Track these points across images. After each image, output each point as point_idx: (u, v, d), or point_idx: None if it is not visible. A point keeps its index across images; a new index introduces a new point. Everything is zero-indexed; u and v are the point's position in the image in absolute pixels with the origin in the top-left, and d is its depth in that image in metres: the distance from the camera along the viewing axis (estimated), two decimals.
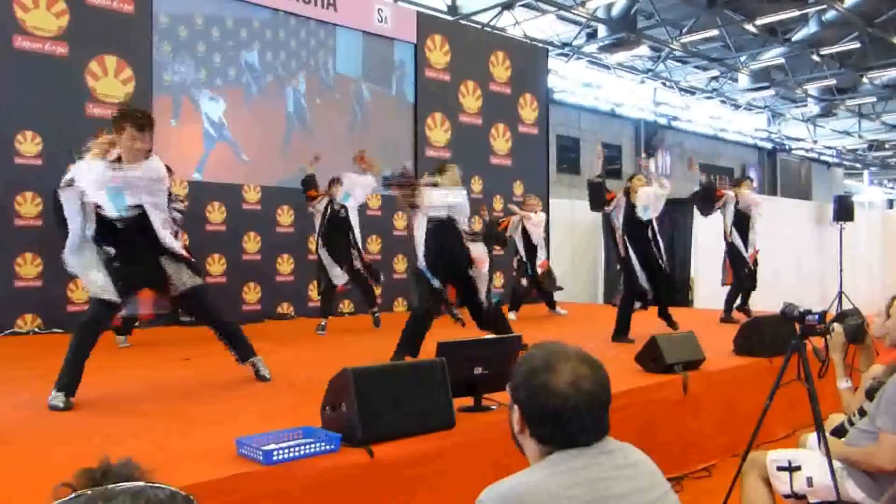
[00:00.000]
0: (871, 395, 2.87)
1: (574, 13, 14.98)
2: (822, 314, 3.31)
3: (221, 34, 8.69)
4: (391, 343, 5.24)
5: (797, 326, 3.33)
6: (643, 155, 7.20)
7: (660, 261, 6.90)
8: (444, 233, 5.33)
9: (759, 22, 15.45)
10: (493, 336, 4.80)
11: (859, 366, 3.58)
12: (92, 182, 3.95)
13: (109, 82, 7.77)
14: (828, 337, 3.39)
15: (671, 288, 8.46)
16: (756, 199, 8.55)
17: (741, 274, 8.28)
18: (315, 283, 8.16)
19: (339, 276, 7.44)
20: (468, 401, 3.58)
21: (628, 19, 15.08)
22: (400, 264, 10.24)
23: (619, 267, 7.08)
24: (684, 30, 16.40)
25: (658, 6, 15.02)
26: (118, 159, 4.10)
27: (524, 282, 9.30)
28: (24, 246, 7.28)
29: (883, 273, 14.90)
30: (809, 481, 2.89)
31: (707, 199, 8.35)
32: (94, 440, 3.21)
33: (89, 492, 0.87)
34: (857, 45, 16.55)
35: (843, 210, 12.94)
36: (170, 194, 5.59)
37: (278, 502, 2.64)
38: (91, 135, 7.08)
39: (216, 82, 8.67)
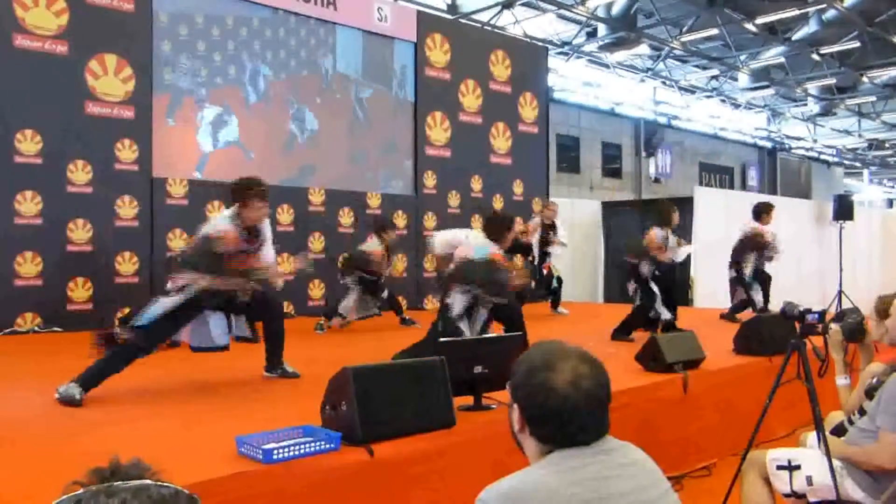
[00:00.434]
0: (870, 393, 2.87)
1: (574, 12, 14.98)
2: (822, 313, 3.31)
3: (221, 33, 8.68)
4: (391, 342, 5.25)
5: (797, 325, 3.34)
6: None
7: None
8: None
9: (759, 21, 15.44)
10: (493, 335, 4.80)
11: (859, 365, 3.58)
12: None
13: (109, 81, 7.77)
14: (827, 336, 3.39)
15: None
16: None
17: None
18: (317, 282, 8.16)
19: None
20: (468, 399, 3.58)
21: (628, 18, 15.08)
22: (399, 263, 10.23)
23: (635, 285, 6.96)
24: (684, 29, 16.40)
25: (658, 5, 15.02)
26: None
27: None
28: (24, 245, 7.28)
29: (882, 272, 14.90)
30: (809, 480, 2.89)
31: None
32: (93, 439, 3.21)
33: (94, 488, 0.87)
34: (857, 44, 16.54)
35: (843, 209, 12.93)
36: None
37: (278, 501, 2.64)
38: (91, 134, 7.10)
39: (216, 81, 8.66)
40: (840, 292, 12.09)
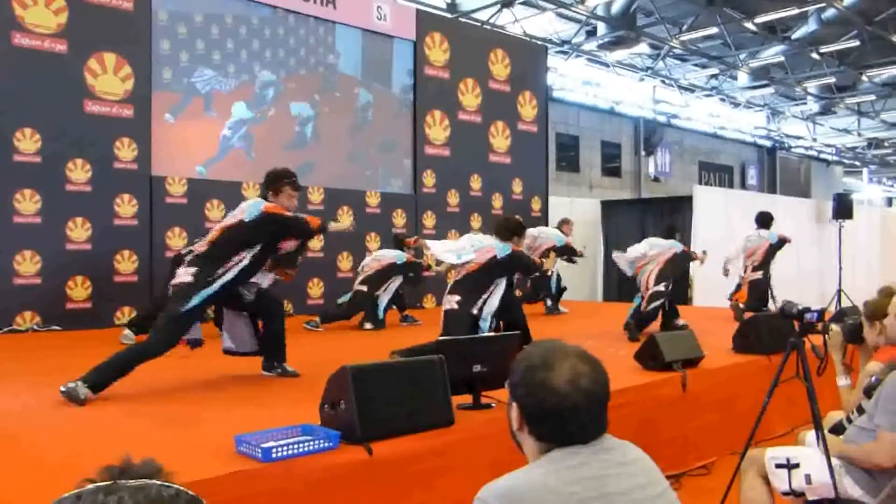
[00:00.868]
0: (869, 392, 2.87)
1: (573, 11, 14.97)
2: (821, 312, 3.31)
3: (221, 31, 8.68)
4: (389, 341, 5.25)
5: (796, 324, 3.34)
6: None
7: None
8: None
9: (758, 20, 15.44)
10: (492, 333, 4.81)
11: (858, 365, 3.59)
12: None
13: (108, 79, 7.77)
14: (826, 336, 3.39)
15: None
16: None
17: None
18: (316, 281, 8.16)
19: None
20: (467, 398, 3.58)
21: (628, 17, 15.07)
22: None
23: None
24: (684, 28, 16.39)
25: (658, 4, 15.01)
26: None
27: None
28: (23, 243, 7.28)
29: (882, 271, 14.91)
30: (808, 479, 2.89)
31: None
32: (92, 437, 3.21)
33: (92, 486, 0.87)
34: (857, 43, 16.54)
35: (843, 208, 12.95)
36: None
37: (277, 500, 2.64)
38: (90, 132, 7.10)
39: (215, 80, 8.66)
40: (839, 291, 12.10)
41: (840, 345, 3.40)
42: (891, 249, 15.59)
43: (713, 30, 16.34)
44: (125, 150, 7.85)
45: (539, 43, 14.54)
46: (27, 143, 7.31)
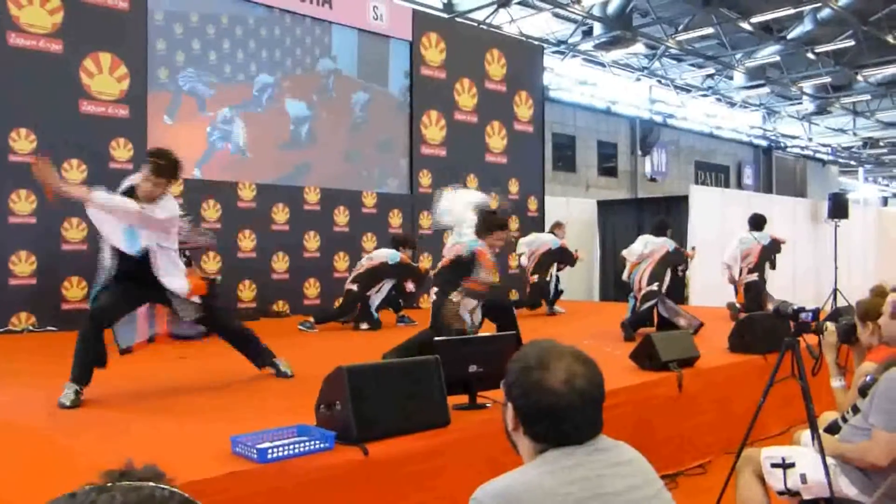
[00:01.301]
0: (864, 391, 2.87)
1: (570, 11, 14.98)
2: (816, 312, 3.33)
3: (217, 31, 8.67)
4: (386, 341, 5.24)
5: (791, 324, 3.34)
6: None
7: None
8: None
9: (754, 20, 15.47)
10: (488, 334, 4.80)
11: (853, 366, 3.60)
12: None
13: (104, 80, 7.75)
14: (821, 336, 3.40)
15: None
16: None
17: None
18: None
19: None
20: (463, 398, 3.58)
21: (624, 17, 15.09)
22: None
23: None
24: (680, 28, 16.41)
25: (654, 4, 15.04)
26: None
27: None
28: (18, 244, 7.26)
29: (877, 270, 14.94)
30: (803, 478, 2.90)
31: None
32: (88, 438, 3.21)
33: (88, 486, 0.87)
34: (852, 42, 16.59)
35: (838, 207, 12.97)
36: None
37: (273, 500, 2.64)
38: (85, 132, 7.11)
39: (211, 80, 8.65)
40: (835, 290, 12.12)
41: (834, 345, 3.41)
42: (886, 249, 15.63)
43: (709, 30, 16.38)
44: (121, 151, 7.83)
45: (535, 43, 14.55)
46: (22, 143, 7.29)
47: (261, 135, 9.05)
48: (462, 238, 5.40)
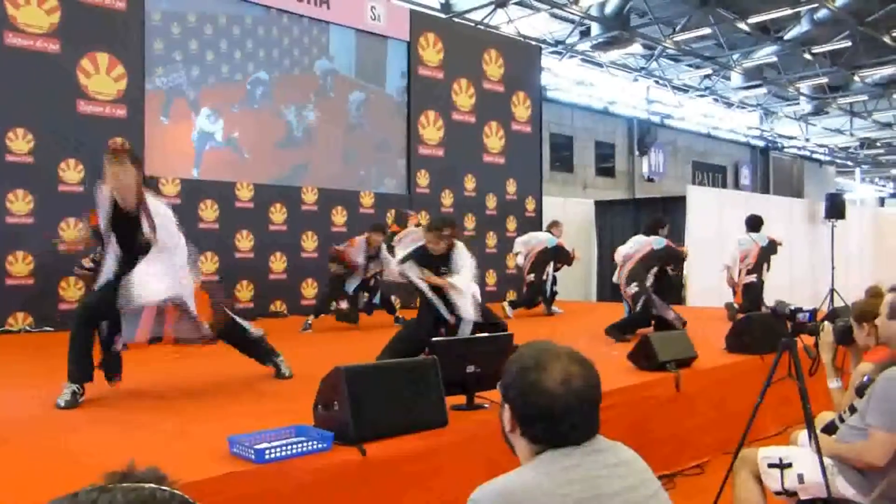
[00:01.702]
0: (861, 392, 2.88)
1: (567, 11, 14.98)
2: (813, 312, 3.33)
3: (214, 31, 8.66)
4: (383, 342, 5.23)
5: (788, 324, 3.35)
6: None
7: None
8: None
9: (751, 20, 15.48)
10: (486, 334, 4.80)
11: (849, 367, 3.60)
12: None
13: (101, 79, 7.74)
14: (818, 336, 3.40)
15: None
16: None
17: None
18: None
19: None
20: (460, 399, 3.58)
21: (621, 17, 15.09)
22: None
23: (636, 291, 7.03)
24: (677, 28, 16.42)
25: (651, 4, 15.04)
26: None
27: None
28: (15, 244, 7.25)
29: (874, 270, 14.97)
30: (800, 478, 2.90)
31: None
32: (85, 439, 3.20)
33: (89, 487, 0.88)
34: (849, 43, 16.61)
35: (835, 208, 12.99)
36: None
37: (270, 501, 2.64)
38: (83, 132, 7.09)
39: (209, 80, 8.65)
40: (832, 291, 12.14)
41: (831, 345, 3.42)
42: (883, 249, 15.65)
43: (706, 30, 16.39)
44: None
45: (533, 43, 14.56)
46: (19, 143, 7.28)
47: (258, 135, 9.04)
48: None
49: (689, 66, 20.17)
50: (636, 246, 7.02)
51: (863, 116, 24.55)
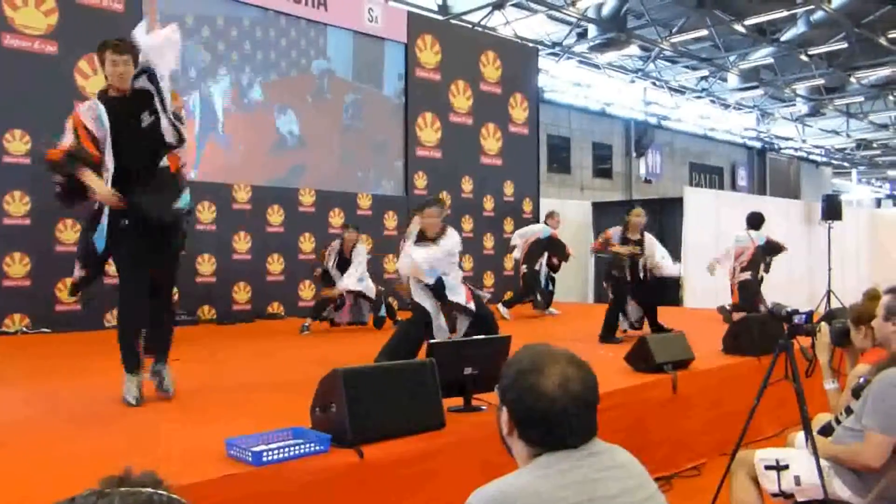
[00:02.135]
0: (857, 393, 2.89)
1: (564, 13, 14.99)
2: (810, 314, 3.34)
3: (212, 33, 8.66)
4: (380, 343, 5.24)
5: (785, 326, 3.35)
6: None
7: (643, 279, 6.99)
8: None
9: (748, 22, 15.51)
10: (483, 336, 4.81)
11: (845, 368, 3.61)
12: None
13: (99, 81, 7.69)
14: (814, 337, 3.41)
15: (661, 286, 8.49)
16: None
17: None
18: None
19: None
20: (458, 401, 3.58)
21: (618, 19, 15.11)
22: (391, 264, 10.23)
23: (607, 284, 7.17)
24: (674, 30, 16.44)
25: (648, 6, 15.06)
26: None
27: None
28: (12, 245, 7.24)
29: (871, 271, 15.00)
30: (797, 480, 2.91)
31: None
32: (82, 441, 3.20)
33: (87, 491, 0.88)
34: (845, 45, 16.64)
35: (832, 209, 13.03)
36: None
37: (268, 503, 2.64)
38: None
39: (206, 81, 8.64)
40: (829, 292, 12.17)
41: (827, 346, 3.43)
42: (879, 250, 15.68)
43: (703, 32, 16.42)
44: None
45: (530, 45, 14.58)
46: (17, 144, 7.27)
47: (255, 137, 9.04)
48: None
49: (686, 67, 20.20)
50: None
51: (859, 118, 24.60)
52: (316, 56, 9.60)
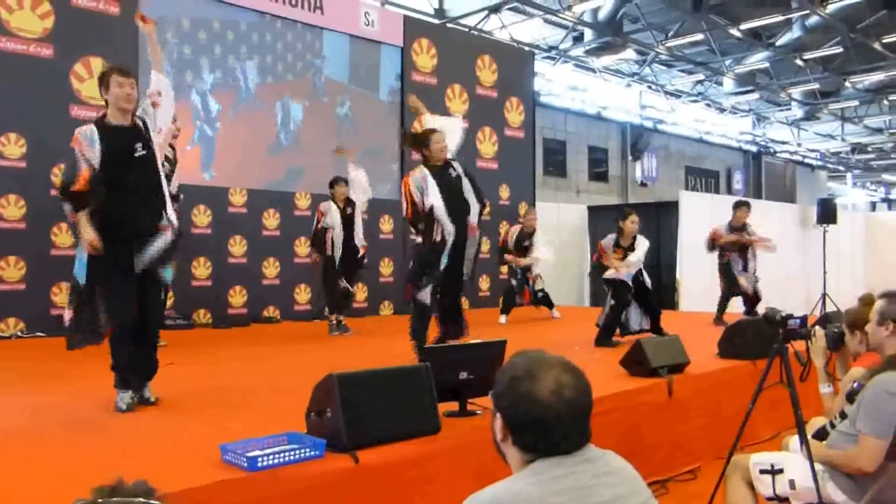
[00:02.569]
0: (851, 398, 2.89)
1: (560, 17, 15.03)
2: (804, 318, 3.35)
3: (208, 37, 8.66)
4: (377, 347, 5.24)
5: (779, 330, 3.36)
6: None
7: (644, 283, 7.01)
8: None
9: (743, 26, 15.57)
10: (479, 341, 4.81)
11: (836, 373, 3.62)
12: None
13: (94, 84, 7.68)
14: (810, 341, 3.42)
15: (657, 289, 8.52)
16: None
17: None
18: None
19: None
20: (453, 405, 3.58)
21: (614, 23, 15.15)
22: (386, 267, 10.23)
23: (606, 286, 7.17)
24: (670, 34, 16.49)
25: (644, 10, 15.11)
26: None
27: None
28: (7, 249, 7.23)
29: (866, 275, 15.05)
30: (792, 484, 2.91)
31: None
32: (77, 446, 3.19)
33: (79, 502, 0.88)
34: (840, 49, 16.71)
35: (827, 213, 13.07)
36: None
37: None
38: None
39: (203, 85, 8.64)
40: (824, 295, 12.21)
41: (823, 350, 3.43)
42: (874, 253, 15.73)
43: (699, 36, 16.47)
44: None
45: (526, 49, 14.60)
46: (12, 148, 7.26)
47: (251, 140, 9.04)
48: None
49: (682, 71, 20.25)
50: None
51: (854, 122, 24.70)
52: (312, 60, 9.61)
